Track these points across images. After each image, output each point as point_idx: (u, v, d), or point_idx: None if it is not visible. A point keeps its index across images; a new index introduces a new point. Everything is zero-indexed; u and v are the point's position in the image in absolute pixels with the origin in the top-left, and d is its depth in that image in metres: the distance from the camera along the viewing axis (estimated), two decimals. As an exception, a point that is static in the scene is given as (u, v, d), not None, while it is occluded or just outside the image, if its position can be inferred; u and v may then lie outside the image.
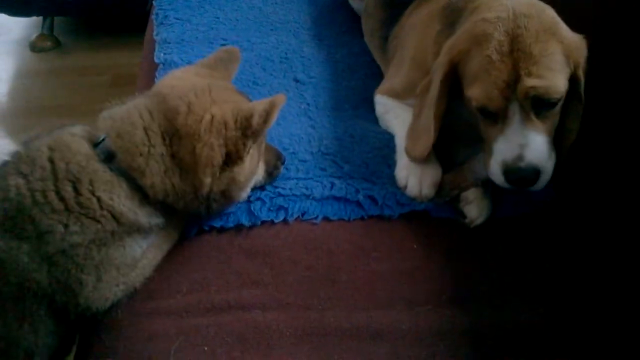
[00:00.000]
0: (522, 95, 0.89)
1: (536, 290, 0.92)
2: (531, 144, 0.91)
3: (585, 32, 0.95)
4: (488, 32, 0.92)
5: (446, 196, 1.02)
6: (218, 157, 0.85)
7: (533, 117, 0.91)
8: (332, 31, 1.61)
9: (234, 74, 1.03)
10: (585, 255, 0.98)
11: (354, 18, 1.71)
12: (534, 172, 0.91)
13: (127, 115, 0.87)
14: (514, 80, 0.89)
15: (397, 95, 1.21)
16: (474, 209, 1.00)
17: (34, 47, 2.70)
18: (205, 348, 0.80)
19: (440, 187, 1.03)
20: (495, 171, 0.95)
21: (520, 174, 0.92)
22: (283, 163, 1.04)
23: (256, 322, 0.83)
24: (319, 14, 1.70)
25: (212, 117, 0.85)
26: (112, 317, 0.85)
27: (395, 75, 1.27)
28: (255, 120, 0.85)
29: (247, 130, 0.85)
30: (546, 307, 0.89)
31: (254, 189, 1.00)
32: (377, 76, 1.39)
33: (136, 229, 0.86)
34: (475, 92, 0.93)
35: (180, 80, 0.94)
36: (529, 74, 0.88)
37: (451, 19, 1.10)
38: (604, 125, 1.04)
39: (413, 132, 1.07)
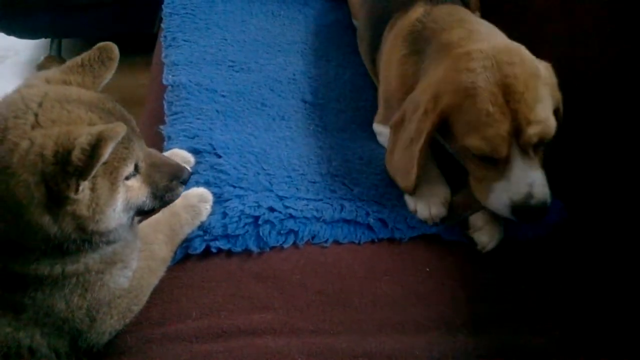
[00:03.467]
0: (525, 142, 0.92)
1: (551, 313, 0.91)
2: (537, 181, 0.93)
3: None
4: (478, 85, 0.93)
5: (458, 218, 1.01)
6: (38, 196, 0.68)
7: (533, 156, 0.94)
8: (340, 52, 1.61)
9: (106, 77, 0.87)
10: (600, 277, 0.96)
11: (361, 39, 1.72)
12: (544, 207, 0.93)
13: None
14: (515, 129, 0.91)
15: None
16: (484, 235, 1.00)
17: (42, 69, 2.69)
18: (216, 375, 0.79)
19: (450, 209, 1.02)
20: (499, 207, 0.96)
21: (532, 211, 0.94)
22: (184, 182, 0.86)
23: (267, 347, 0.82)
24: (326, 35, 1.71)
25: (31, 145, 0.67)
26: (122, 343, 0.84)
27: (380, 104, 1.28)
28: (76, 156, 0.65)
29: (67, 166, 0.66)
30: (562, 330, 0.88)
31: (142, 212, 0.84)
32: (385, 97, 1.38)
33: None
34: (476, 143, 0.94)
35: (27, 89, 0.75)
36: (529, 123, 0.91)
37: (417, 46, 1.13)
38: (616, 145, 1.03)
39: (394, 168, 1.08)
